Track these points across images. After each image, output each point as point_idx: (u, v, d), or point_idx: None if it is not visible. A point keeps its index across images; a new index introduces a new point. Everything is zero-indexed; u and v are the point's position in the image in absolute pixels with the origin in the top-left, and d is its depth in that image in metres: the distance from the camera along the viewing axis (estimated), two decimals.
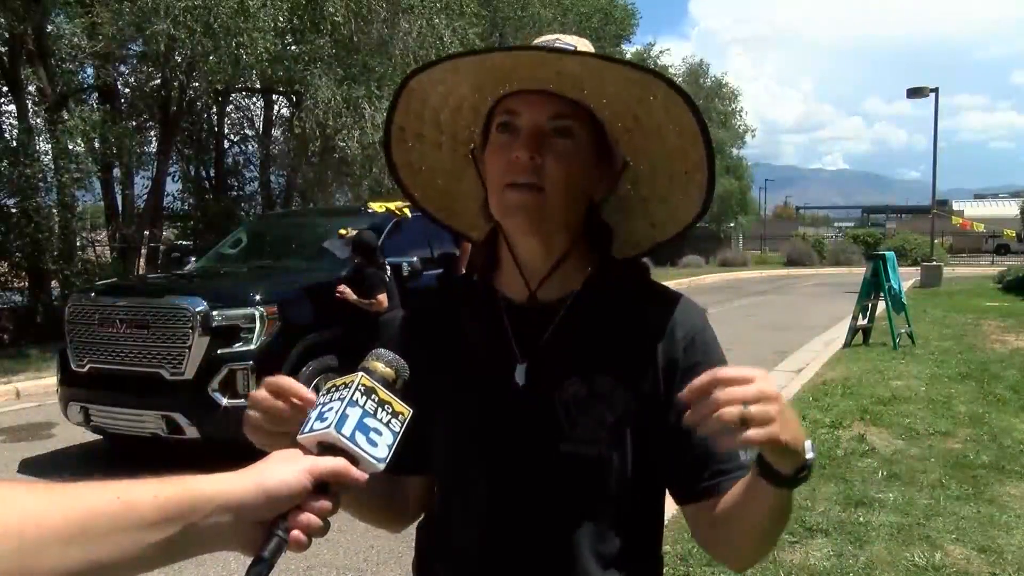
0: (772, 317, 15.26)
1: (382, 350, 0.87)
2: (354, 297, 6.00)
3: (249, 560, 0.74)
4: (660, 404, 1.01)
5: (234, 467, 0.77)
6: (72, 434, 6.31)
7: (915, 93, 24.18)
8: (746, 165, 44.99)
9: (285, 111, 17.50)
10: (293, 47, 13.82)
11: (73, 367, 5.74)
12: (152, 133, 15.47)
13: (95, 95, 14.56)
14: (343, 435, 0.78)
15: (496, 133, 1.03)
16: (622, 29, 28.84)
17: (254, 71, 13.23)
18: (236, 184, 18.01)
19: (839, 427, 6.10)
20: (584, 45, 1.06)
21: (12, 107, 12.51)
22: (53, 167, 11.73)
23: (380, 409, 0.81)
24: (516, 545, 1.02)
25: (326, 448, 0.78)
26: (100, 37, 11.74)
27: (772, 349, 10.82)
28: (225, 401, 5.30)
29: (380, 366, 0.85)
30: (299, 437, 0.80)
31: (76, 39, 12.55)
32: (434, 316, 1.16)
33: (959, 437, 5.83)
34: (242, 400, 5.32)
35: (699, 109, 0.97)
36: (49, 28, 12.30)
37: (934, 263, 22.98)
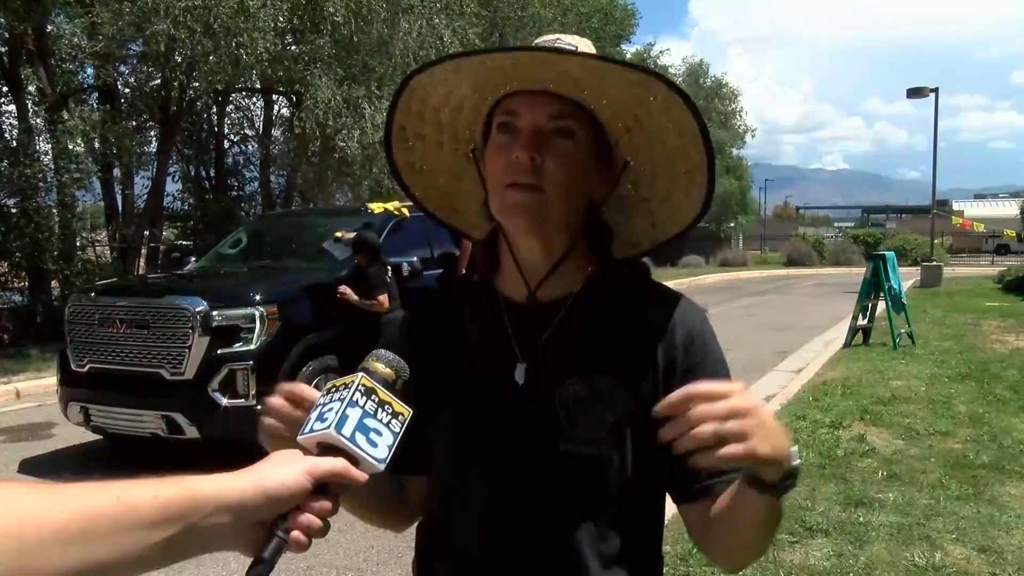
0: (772, 317, 15.26)
1: (382, 351, 0.88)
2: (355, 298, 6.00)
3: (249, 561, 0.74)
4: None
5: (234, 467, 0.77)
6: (72, 434, 6.31)
7: (915, 93, 24.18)
8: (746, 165, 44.98)
9: (285, 111, 17.51)
10: (293, 47, 13.81)
11: (73, 367, 5.74)
12: (152, 133, 15.46)
13: (95, 95, 14.56)
14: (343, 436, 0.78)
15: (496, 133, 1.03)
16: (622, 29, 28.83)
17: (254, 71, 13.23)
18: (236, 184, 18.01)
19: (839, 427, 6.10)
20: (585, 45, 1.06)
21: (12, 107, 12.51)
22: (53, 167, 11.73)
23: (380, 410, 0.81)
24: (516, 545, 1.02)
25: (326, 449, 0.79)
26: (100, 37, 11.73)
27: (772, 349, 10.82)
28: (225, 401, 5.30)
29: (380, 367, 0.85)
30: (299, 438, 0.80)
31: (76, 39, 12.55)
32: (434, 316, 1.17)
33: (959, 437, 5.83)
34: (242, 400, 5.33)
35: (699, 110, 0.97)
36: (49, 28, 12.30)
37: (934, 263, 22.98)
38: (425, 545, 1.14)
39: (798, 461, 0.87)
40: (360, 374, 0.83)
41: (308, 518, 0.75)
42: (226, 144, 17.81)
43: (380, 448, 0.80)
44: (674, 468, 1.01)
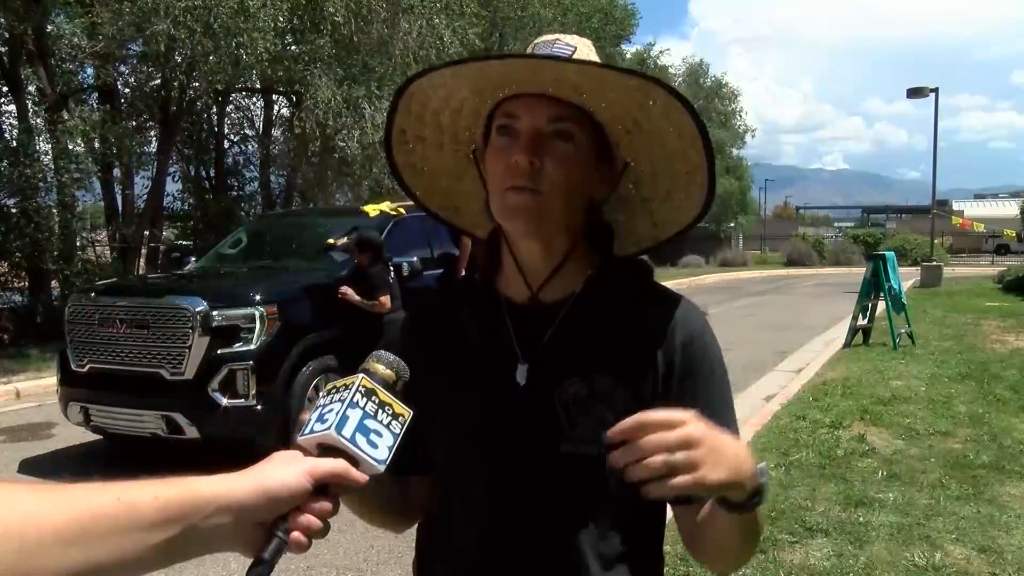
0: (772, 317, 15.26)
1: (382, 352, 0.88)
2: (357, 298, 5.99)
3: (249, 561, 0.74)
4: (659, 405, 1.02)
5: (234, 467, 0.78)
6: (72, 434, 6.31)
7: (915, 93, 24.17)
8: (746, 165, 44.97)
9: (285, 111, 17.51)
10: (293, 47, 13.81)
11: (73, 367, 5.73)
12: (152, 133, 15.46)
13: (95, 95, 14.56)
14: (343, 437, 0.78)
15: (496, 135, 1.03)
16: (622, 29, 28.82)
17: (254, 71, 13.23)
18: (236, 184, 18.01)
19: (839, 427, 6.10)
20: (584, 46, 1.07)
21: (12, 107, 12.50)
22: (53, 167, 11.73)
23: (380, 411, 0.82)
24: (516, 545, 1.02)
25: (326, 450, 0.79)
26: (100, 37, 11.73)
27: (772, 349, 10.82)
28: (225, 401, 5.30)
29: (380, 368, 0.85)
30: (299, 439, 0.80)
31: (76, 39, 12.55)
32: (435, 316, 1.17)
33: (959, 437, 5.83)
34: (242, 400, 5.33)
35: (698, 113, 0.98)
36: (49, 28, 12.30)
37: (934, 263, 22.98)
38: (425, 545, 1.15)
39: (764, 479, 0.90)
40: (360, 375, 0.83)
41: (308, 519, 0.76)
42: (226, 144, 17.82)
43: (380, 449, 0.80)
44: None
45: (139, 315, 5.58)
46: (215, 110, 17.04)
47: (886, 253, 11.02)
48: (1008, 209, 49.12)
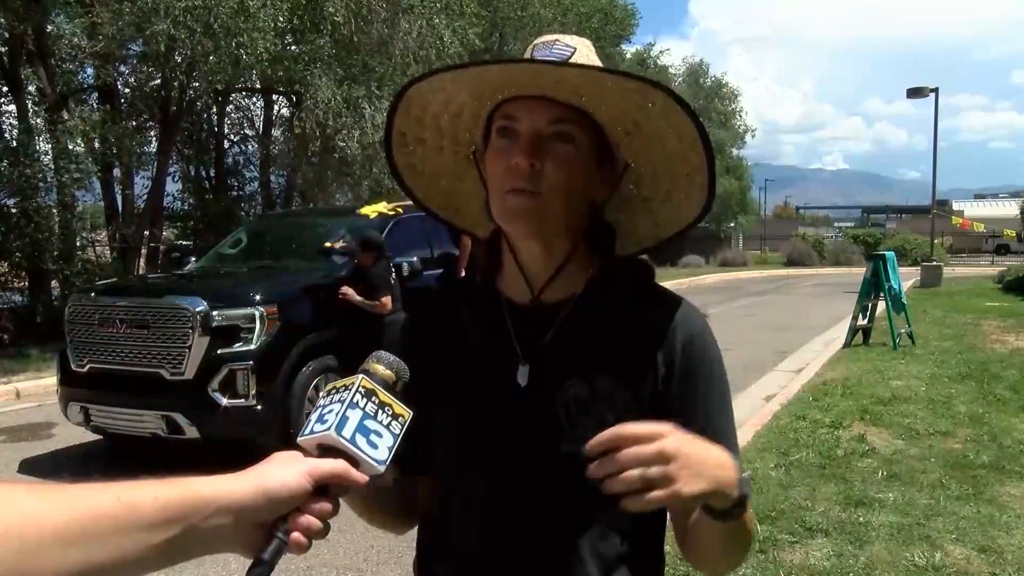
0: (772, 317, 15.26)
1: (382, 352, 0.88)
2: (358, 298, 5.99)
3: (249, 562, 0.74)
4: (658, 406, 1.02)
5: (234, 467, 0.78)
6: (72, 434, 6.32)
7: (915, 93, 24.17)
8: (746, 165, 44.97)
9: (285, 111, 17.50)
10: (293, 47, 13.81)
11: (73, 367, 5.74)
12: (152, 133, 15.46)
13: (95, 95, 14.55)
14: (343, 437, 0.78)
15: (496, 137, 1.03)
16: (622, 29, 28.81)
17: (254, 71, 13.23)
18: (236, 184, 18.01)
19: (839, 427, 6.10)
20: (584, 46, 1.07)
21: (12, 107, 12.50)
22: (53, 167, 11.73)
23: (380, 411, 0.82)
24: (516, 546, 1.02)
25: (326, 450, 0.79)
26: (100, 37, 11.73)
27: (772, 349, 10.82)
28: (225, 401, 5.30)
29: (380, 368, 0.85)
30: (299, 439, 0.80)
31: (76, 39, 12.55)
32: (435, 317, 1.17)
33: (959, 437, 5.83)
34: (242, 400, 5.33)
35: (698, 115, 0.98)
36: (49, 28, 12.30)
37: (934, 263, 22.98)
38: (426, 545, 1.15)
39: (748, 488, 0.91)
40: (360, 376, 0.84)
41: (308, 519, 0.76)
42: (226, 144, 17.82)
43: (380, 450, 0.80)
44: None
45: (139, 315, 5.58)
46: (215, 110, 17.04)
47: (886, 253, 11.02)
48: (1008, 209, 49.12)
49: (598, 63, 1.05)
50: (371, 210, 7.07)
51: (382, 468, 0.80)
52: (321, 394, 0.84)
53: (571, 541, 1.01)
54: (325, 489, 0.77)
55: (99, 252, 14.08)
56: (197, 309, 5.39)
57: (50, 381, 7.46)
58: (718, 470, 0.88)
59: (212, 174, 17.42)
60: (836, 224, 77.11)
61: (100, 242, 14.41)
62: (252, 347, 5.46)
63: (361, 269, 6.12)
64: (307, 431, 0.80)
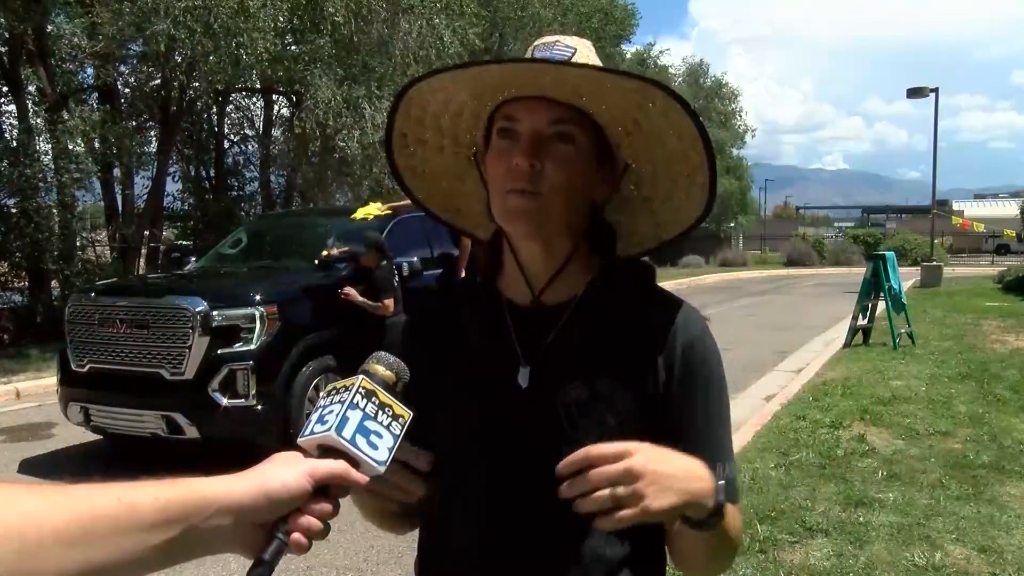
0: (772, 317, 15.26)
1: (382, 353, 0.88)
2: (360, 299, 5.98)
3: (249, 562, 0.74)
4: (658, 408, 1.02)
5: (234, 468, 0.78)
6: (72, 434, 6.32)
7: (915, 93, 24.17)
8: (746, 165, 44.97)
9: (285, 111, 17.51)
10: (293, 47, 13.81)
11: (73, 367, 5.74)
12: (152, 133, 15.46)
13: (95, 95, 14.56)
14: (344, 438, 0.78)
15: (497, 138, 1.03)
16: (622, 29, 28.81)
17: (254, 71, 13.22)
18: (236, 184, 18.01)
19: (839, 427, 6.10)
20: (584, 47, 1.07)
21: (12, 107, 12.51)
22: (53, 167, 11.73)
23: (380, 412, 0.82)
24: (517, 547, 1.02)
25: (327, 451, 0.79)
26: (100, 37, 11.73)
27: (772, 349, 10.82)
28: (225, 401, 5.30)
29: (380, 369, 0.85)
30: (299, 440, 0.80)
31: (76, 39, 12.55)
32: (436, 317, 1.17)
33: (959, 437, 5.83)
34: (242, 400, 5.33)
35: (698, 115, 0.98)
36: (49, 28, 12.30)
37: (934, 263, 22.98)
38: (426, 545, 1.15)
39: (721, 497, 0.92)
40: (360, 376, 0.84)
41: (308, 520, 0.76)
42: (226, 144, 17.82)
43: (380, 450, 0.80)
44: None
45: (139, 315, 5.58)
46: (215, 110, 17.05)
47: (886, 253, 11.02)
48: (1008, 209, 49.10)
49: (599, 64, 1.05)
50: (364, 213, 7.03)
51: (382, 469, 0.80)
52: (321, 395, 0.84)
53: (572, 543, 1.01)
54: (325, 490, 0.77)
55: (99, 252, 14.09)
56: (197, 309, 5.39)
57: (50, 381, 7.46)
58: (690, 482, 0.89)
59: (212, 174, 17.42)
60: (836, 224, 77.10)
61: (100, 242, 14.42)
62: (252, 347, 5.46)
63: (364, 270, 6.11)
64: (307, 432, 0.80)
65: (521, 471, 1.02)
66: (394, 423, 0.82)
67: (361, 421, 0.80)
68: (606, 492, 0.84)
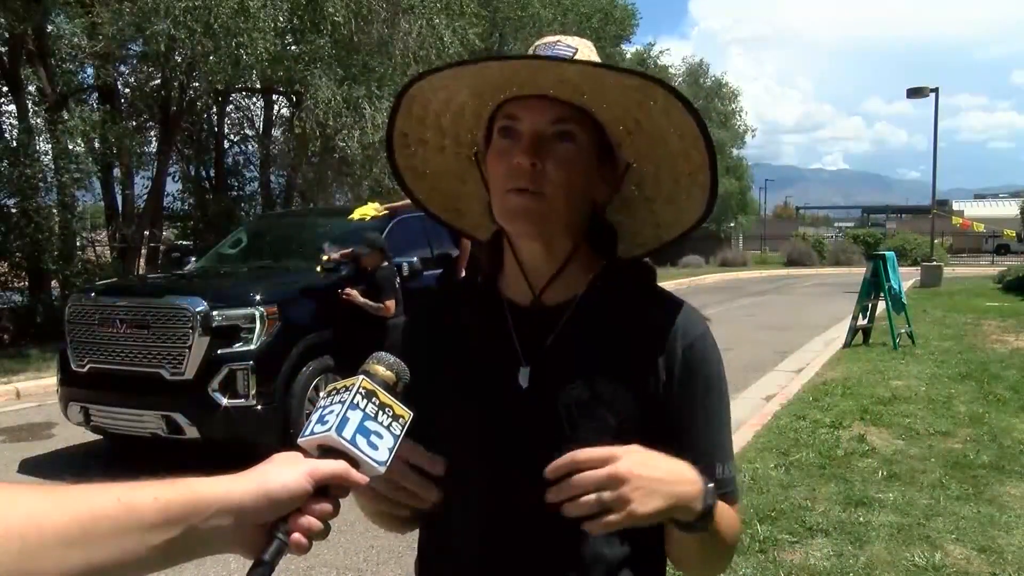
0: (772, 317, 15.26)
1: (383, 353, 0.88)
2: (361, 300, 5.97)
3: (250, 562, 0.74)
4: (658, 410, 1.02)
5: (234, 468, 0.78)
6: (72, 434, 6.32)
7: (915, 93, 24.18)
8: (746, 165, 45.01)
9: (285, 111, 17.52)
10: (293, 47, 13.81)
11: (73, 367, 5.73)
12: (152, 133, 15.46)
13: (95, 95, 14.56)
14: (344, 438, 0.78)
15: (498, 137, 1.03)
16: (622, 29, 28.84)
17: (254, 71, 13.22)
18: (236, 184, 18.01)
19: (839, 427, 6.10)
20: (586, 47, 1.06)
21: (12, 107, 12.51)
22: (53, 167, 11.73)
23: (381, 412, 0.82)
24: (517, 547, 1.02)
25: (327, 451, 0.79)
26: (100, 37, 11.74)
27: (772, 349, 10.82)
28: (225, 401, 5.30)
29: (381, 369, 0.85)
30: (300, 440, 0.80)
31: (76, 39, 12.55)
32: (436, 318, 1.17)
33: (959, 437, 5.83)
34: (242, 400, 5.33)
35: (699, 113, 0.97)
36: (49, 28, 12.30)
37: (934, 263, 22.98)
38: (427, 545, 1.15)
39: (711, 500, 0.92)
40: (361, 377, 0.84)
41: (309, 520, 0.76)
42: (226, 144, 17.82)
43: (381, 451, 0.80)
44: None
45: (139, 315, 5.58)
46: (215, 110, 17.04)
47: (886, 253, 11.02)
48: (1008, 209, 49.10)
49: (599, 62, 1.05)
50: (361, 214, 7.00)
51: (382, 469, 0.80)
52: (321, 395, 0.85)
53: (572, 543, 1.01)
54: (325, 490, 0.77)
55: (99, 252, 14.09)
56: (197, 309, 5.39)
57: (50, 381, 7.46)
58: (677, 486, 0.90)
59: (212, 174, 17.42)
60: (836, 224, 77.10)
61: (100, 242, 14.42)
62: (252, 347, 5.46)
63: (366, 271, 6.09)
64: (307, 432, 0.80)
65: (521, 471, 1.02)
66: (394, 423, 0.82)
67: (361, 421, 0.80)
68: (592, 497, 0.84)
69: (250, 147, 18.23)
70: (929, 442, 5.72)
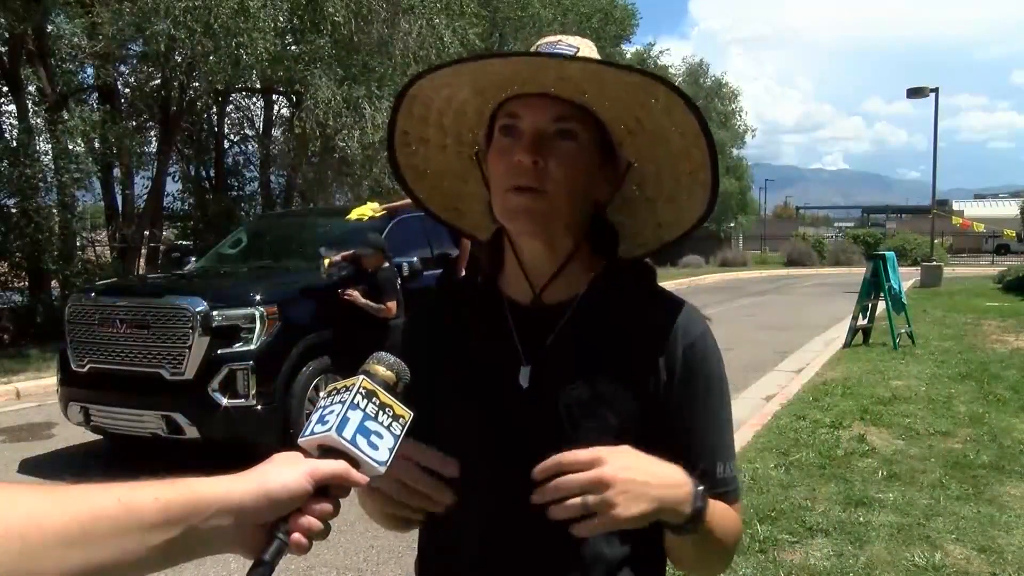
0: (772, 317, 15.26)
1: (383, 353, 0.88)
2: (363, 301, 5.96)
3: (250, 562, 0.74)
4: (659, 409, 1.02)
5: (234, 468, 0.78)
6: (72, 434, 6.32)
7: (915, 93, 24.18)
8: (746, 165, 45.03)
9: (285, 111, 17.52)
10: (293, 47, 13.82)
11: (73, 367, 5.73)
12: (152, 133, 15.46)
13: (95, 95, 14.56)
14: (344, 438, 0.78)
15: (499, 136, 1.03)
16: (622, 29, 28.84)
17: (254, 71, 13.23)
18: (236, 184, 18.01)
19: (839, 427, 6.10)
20: (587, 47, 1.06)
21: (12, 107, 12.51)
22: (53, 167, 11.73)
23: (381, 412, 0.82)
24: (518, 547, 1.02)
25: (327, 451, 0.79)
26: (100, 37, 11.74)
27: (772, 349, 10.82)
28: (225, 401, 5.30)
29: (381, 369, 0.85)
30: (300, 440, 0.80)
31: (76, 39, 12.55)
32: (437, 317, 1.17)
33: (959, 437, 5.83)
34: (242, 400, 5.33)
35: (700, 111, 0.97)
36: (49, 28, 12.30)
37: (934, 263, 22.98)
38: (427, 545, 1.15)
39: (700, 503, 0.92)
40: (361, 377, 0.83)
41: (309, 520, 0.76)
42: (226, 144, 17.82)
43: (381, 451, 0.80)
44: None
45: (139, 315, 5.58)
46: (215, 110, 17.04)
47: (886, 253, 11.02)
48: (1008, 209, 49.09)
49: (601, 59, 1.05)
50: (358, 214, 6.97)
51: (383, 469, 0.80)
52: (322, 395, 0.84)
53: (572, 542, 1.00)
54: (326, 490, 0.77)
55: (99, 252, 14.09)
56: (197, 309, 5.39)
57: (50, 381, 7.46)
58: (663, 489, 0.90)
59: (212, 174, 17.42)
60: (836, 224, 77.10)
61: (100, 242, 14.42)
62: (252, 347, 5.46)
63: (367, 271, 6.08)
64: (308, 432, 0.80)
65: (522, 471, 1.02)
66: (395, 423, 0.82)
67: (362, 421, 0.80)
68: (577, 500, 0.85)
69: (250, 147, 18.25)
70: (929, 442, 5.72)
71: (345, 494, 0.80)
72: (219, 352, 5.38)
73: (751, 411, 6.86)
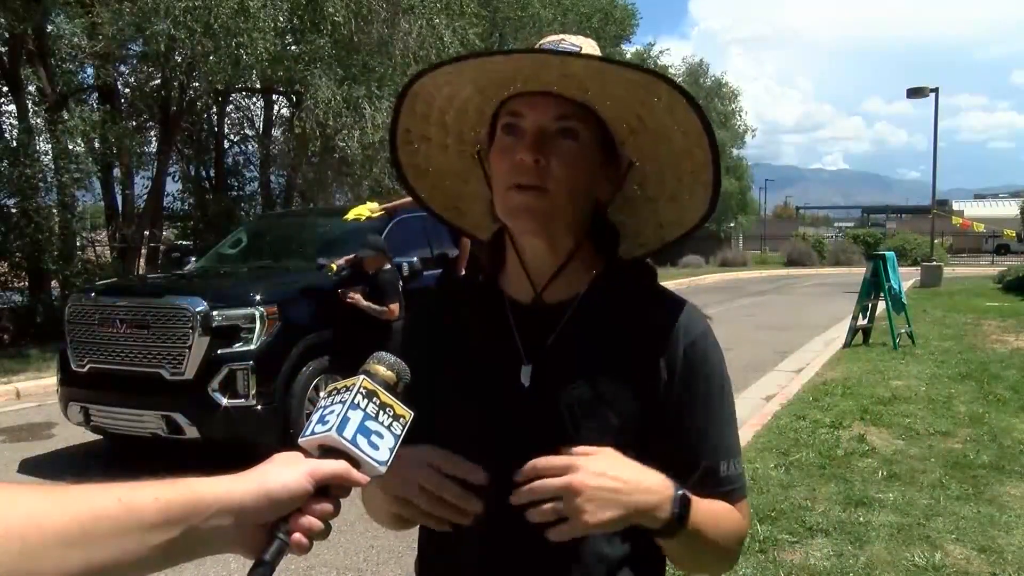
0: (772, 317, 15.26)
1: (383, 353, 0.88)
2: (365, 303, 5.95)
3: (250, 562, 0.74)
4: (660, 409, 1.02)
5: (234, 468, 0.78)
6: (72, 434, 6.32)
7: (915, 93, 24.18)
8: (746, 165, 45.04)
9: (285, 111, 17.52)
10: (293, 47, 13.81)
11: (73, 367, 5.73)
12: (152, 133, 15.46)
13: (95, 95, 14.56)
14: (344, 438, 0.78)
15: (501, 134, 1.03)
16: (622, 29, 28.84)
17: (254, 71, 13.23)
18: (236, 184, 18.00)
19: (839, 427, 6.10)
20: (589, 46, 1.06)
21: (12, 107, 12.51)
22: (53, 167, 11.73)
23: (382, 412, 0.82)
24: (518, 547, 1.02)
25: (327, 451, 0.79)
26: (100, 37, 11.74)
27: (772, 349, 10.82)
28: (225, 401, 5.30)
29: (381, 369, 0.85)
30: (300, 440, 0.80)
31: (76, 39, 12.55)
32: (437, 317, 1.17)
33: (959, 437, 5.83)
34: (242, 400, 5.33)
35: (703, 109, 0.97)
36: (49, 28, 12.30)
37: (934, 263, 22.98)
38: (427, 545, 1.14)
39: (676, 509, 0.93)
40: (361, 377, 0.83)
41: (309, 520, 0.75)
42: (226, 144, 17.82)
43: (381, 451, 0.80)
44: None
45: (139, 315, 5.58)
46: (215, 110, 17.04)
47: (886, 253, 11.02)
48: (1008, 209, 49.09)
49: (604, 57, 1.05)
50: (355, 214, 6.94)
51: (383, 469, 0.80)
52: (322, 395, 0.84)
53: (574, 543, 1.00)
54: (326, 490, 0.77)
55: (99, 252, 14.09)
56: (197, 309, 5.39)
57: (50, 381, 7.46)
58: (635, 495, 0.90)
59: (212, 174, 17.41)
60: (836, 224, 77.11)
61: (100, 242, 14.42)
62: (252, 347, 5.46)
63: (368, 273, 6.07)
64: (308, 432, 0.80)
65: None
66: (395, 423, 0.82)
67: (362, 421, 0.80)
68: (548, 506, 0.87)
69: (250, 147, 18.24)
70: (929, 442, 5.72)
71: (346, 494, 0.80)
72: (219, 352, 5.37)
73: (751, 411, 6.86)
